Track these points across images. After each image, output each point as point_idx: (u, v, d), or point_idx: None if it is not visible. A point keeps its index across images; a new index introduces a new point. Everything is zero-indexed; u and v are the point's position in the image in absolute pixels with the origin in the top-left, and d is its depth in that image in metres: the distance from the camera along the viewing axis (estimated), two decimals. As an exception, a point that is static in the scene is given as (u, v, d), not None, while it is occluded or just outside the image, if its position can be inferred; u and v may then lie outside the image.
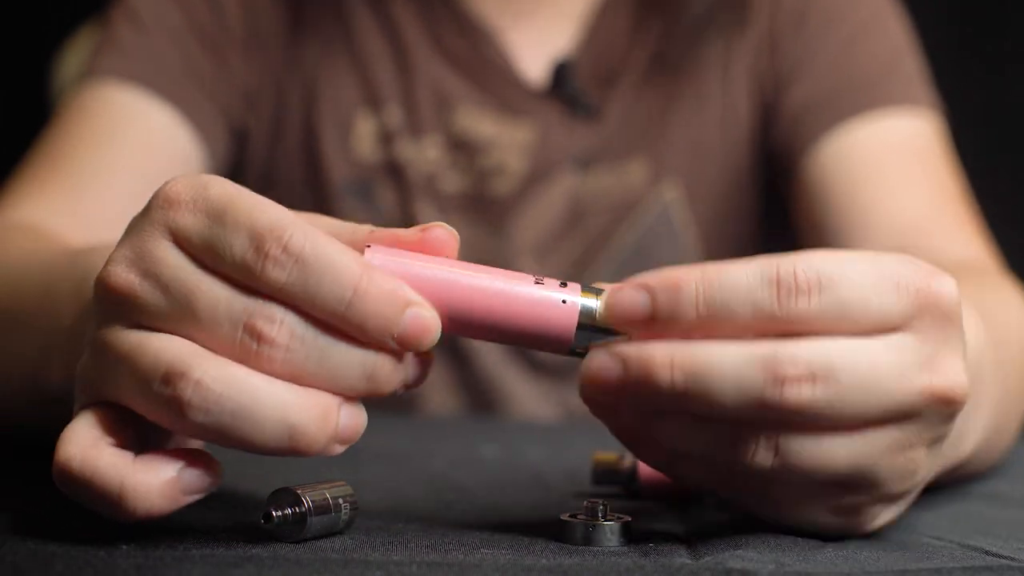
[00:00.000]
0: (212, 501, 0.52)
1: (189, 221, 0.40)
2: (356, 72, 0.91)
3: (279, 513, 0.42)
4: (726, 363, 0.39)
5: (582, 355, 0.41)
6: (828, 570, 0.40)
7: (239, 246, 0.39)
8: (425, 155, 0.90)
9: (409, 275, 0.41)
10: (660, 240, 0.91)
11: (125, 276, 0.41)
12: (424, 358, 0.42)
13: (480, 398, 0.92)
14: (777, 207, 0.91)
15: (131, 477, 0.40)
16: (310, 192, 0.91)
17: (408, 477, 0.60)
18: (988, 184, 1.04)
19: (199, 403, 0.39)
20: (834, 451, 0.40)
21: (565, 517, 0.44)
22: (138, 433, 0.41)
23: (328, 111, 0.91)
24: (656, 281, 0.40)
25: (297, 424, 0.39)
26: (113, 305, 0.41)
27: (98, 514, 0.40)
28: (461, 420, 0.90)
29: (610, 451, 0.54)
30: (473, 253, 0.91)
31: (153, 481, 0.40)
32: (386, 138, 0.91)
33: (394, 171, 0.91)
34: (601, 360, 0.40)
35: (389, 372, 0.40)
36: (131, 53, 0.87)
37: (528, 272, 0.44)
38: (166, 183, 0.41)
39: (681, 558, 0.41)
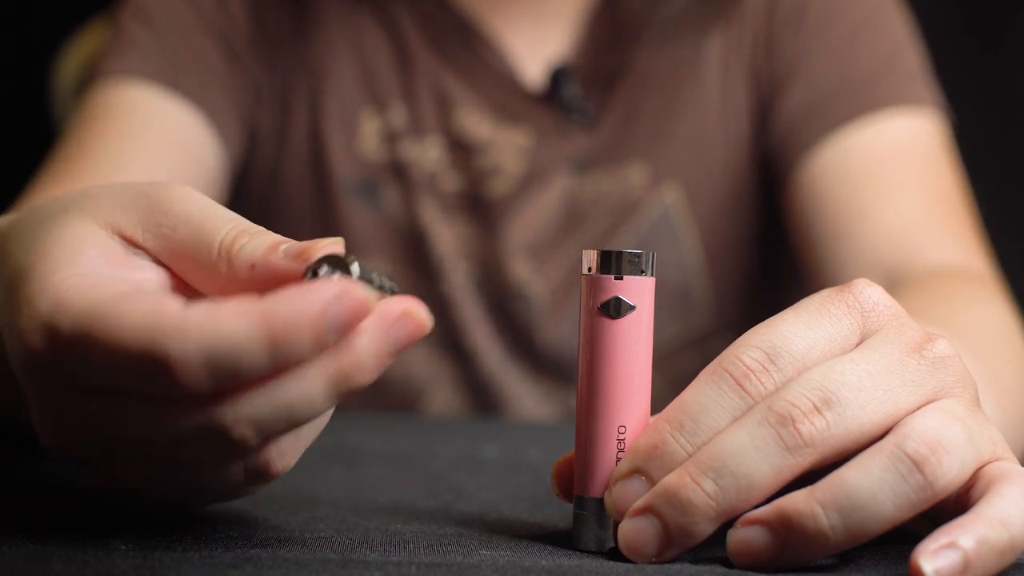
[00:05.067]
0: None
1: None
2: (360, 72, 0.91)
3: (325, 270, 0.40)
4: (747, 450, 0.39)
5: None
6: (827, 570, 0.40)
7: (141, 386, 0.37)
8: (427, 155, 0.90)
9: None
10: (661, 242, 0.91)
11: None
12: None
13: (482, 399, 0.92)
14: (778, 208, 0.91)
15: None
16: (315, 192, 0.92)
17: (408, 477, 0.60)
18: (992, 184, 1.04)
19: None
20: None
21: None
22: None
23: (334, 110, 0.91)
24: (639, 455, 0.41)
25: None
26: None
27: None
28: (461, 421, 0.90)
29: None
30: (470, 252, 0.91)
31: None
32: (391, 138, 0.91)
33: (398, 171, 0.91)
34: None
35: (350, 368, 0.38)
36: (148, 52, 0.87)
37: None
38: None
39: (680, 559, 0.41)
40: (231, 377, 0.36)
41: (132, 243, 0.41)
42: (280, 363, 0.37)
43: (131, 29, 0.89)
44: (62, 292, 0.38)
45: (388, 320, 0.38)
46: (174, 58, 0.87)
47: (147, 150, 0.84)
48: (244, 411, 0.37)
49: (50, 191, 0.81)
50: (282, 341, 0.36)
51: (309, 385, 0.37)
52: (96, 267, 0.40)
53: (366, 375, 0.38)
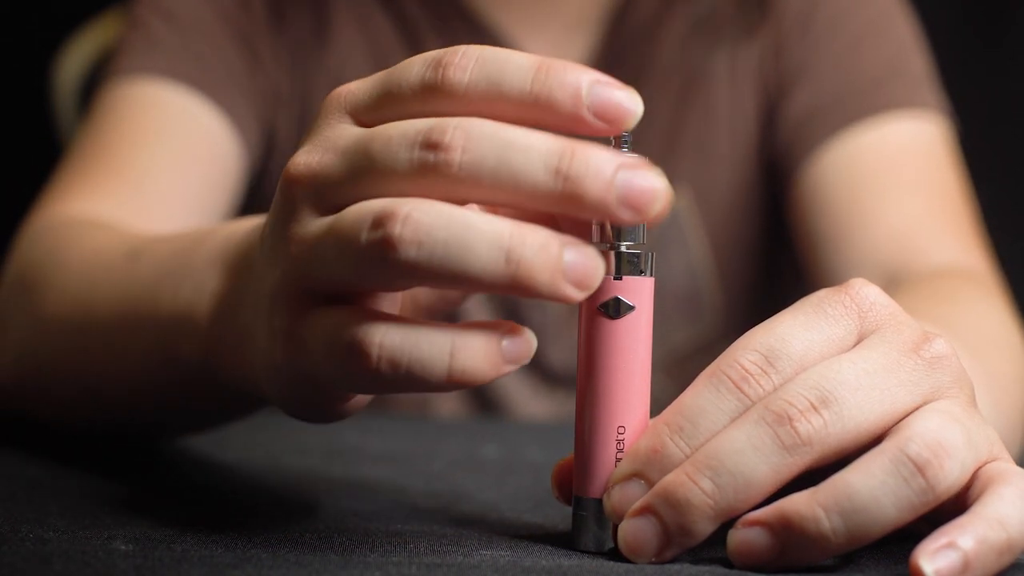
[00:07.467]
0: (211, 502, 0.52)
1: (362, 89, 0.43)
2: None
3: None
4: (744, 449, 0.39)
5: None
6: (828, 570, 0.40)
7: (416, 73, 0.40)
8: None
9: None
10: (670, 246, 0.90)
11: (305, 160, 0.41)
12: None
13: (489, 410, 0.92)
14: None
15: (459, 339, 0.38)
16: None
17: (408, 478, 0.60)
18: (993, 185, 1.04)
19: (411, 236, 0.37)
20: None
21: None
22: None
23: None
24: (638, 459, 0.40)
25: (513, 248, 0.37)
26: (300, 192, 0.41)
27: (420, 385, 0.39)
28: (461, 421, 0.90)
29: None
30: None
31: (478, 344, 0.39)
32: None
33: None
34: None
35: (581, 162, 0.38)
36: (170, 49, 0.86)
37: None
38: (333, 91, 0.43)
39: (680, 559, 0.41)
40: (499, 82, 0.39)
41: None
42: (539, 92, 0.38)
43: (152, 26, 0.87)
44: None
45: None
46: (197, 57, 0.86)
47: (177, 152, 0.83)
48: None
49: (76, 192, 0.80)
50: (549, 71, 0.38)
51: (539, 143, 0.38)
52: None
53: (592, 174, 0.38)
